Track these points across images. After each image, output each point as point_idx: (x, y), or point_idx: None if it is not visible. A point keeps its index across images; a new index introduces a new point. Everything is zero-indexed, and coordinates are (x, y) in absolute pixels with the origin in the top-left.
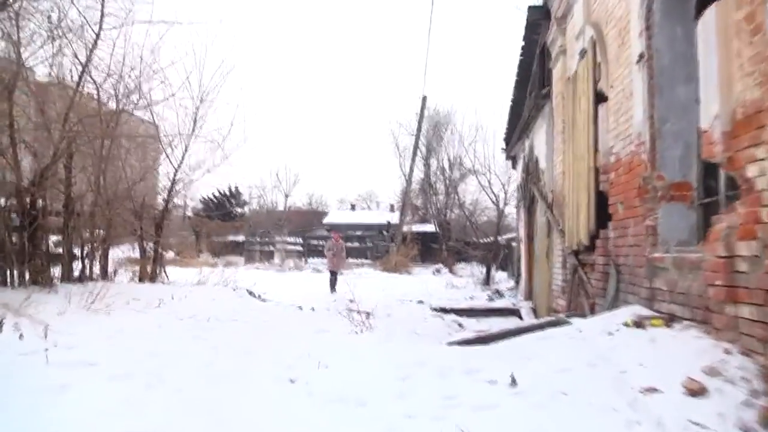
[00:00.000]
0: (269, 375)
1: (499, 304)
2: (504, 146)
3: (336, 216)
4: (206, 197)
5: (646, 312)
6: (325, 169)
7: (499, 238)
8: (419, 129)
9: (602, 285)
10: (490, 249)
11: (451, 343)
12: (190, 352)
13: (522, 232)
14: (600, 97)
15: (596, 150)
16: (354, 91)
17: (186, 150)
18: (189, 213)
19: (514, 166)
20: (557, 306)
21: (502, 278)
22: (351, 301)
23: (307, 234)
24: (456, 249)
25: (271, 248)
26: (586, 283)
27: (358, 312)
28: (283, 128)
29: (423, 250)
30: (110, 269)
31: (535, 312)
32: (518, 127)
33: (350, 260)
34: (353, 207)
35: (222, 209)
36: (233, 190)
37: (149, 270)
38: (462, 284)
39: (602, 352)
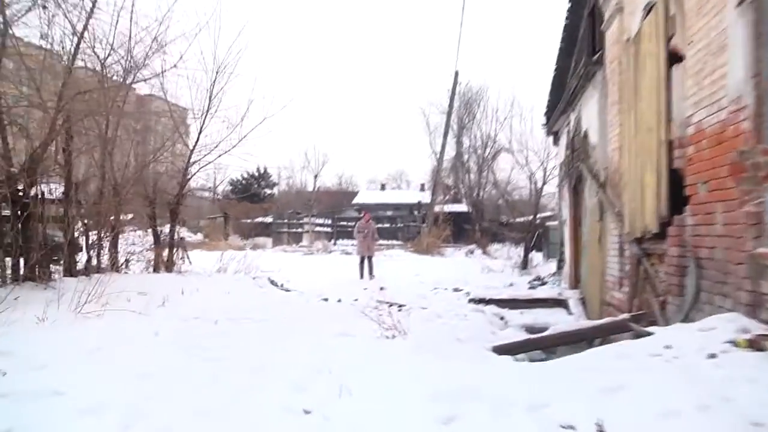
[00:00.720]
0: (278, 403)
1: (542, 293)
2: (544, 121)
3: (366, 196)
4: (235, 179)
5: (755, 325)
6: (354, 148)
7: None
8: (451, 105)
9: (676, 281)
10: (528, 230)
11: (499, 351)
12: (187, 370)
13: (566, 214)
14: (673, 58)
15: (668, 120)
16: (384, 69)
17: (201, 129)
18: (218, 195)
19: (555, 143)
20: (612, 299)
21: (538, 261)
22: (382, 288)
23: (336, 215)
24: (490, 230)
25: (300, 230)
26: (653, 278)
27: (390, 305)
28: (312, 107)
29: (455, 230)
30: (121, 259)
31: (583, 303)
32: (562, 99)
33: (381, 242)
34: (383, 187)
35: (250, 191)
36: (262, 171)
37: (165, 259)
38: (498, 267)
39: (714, 386)
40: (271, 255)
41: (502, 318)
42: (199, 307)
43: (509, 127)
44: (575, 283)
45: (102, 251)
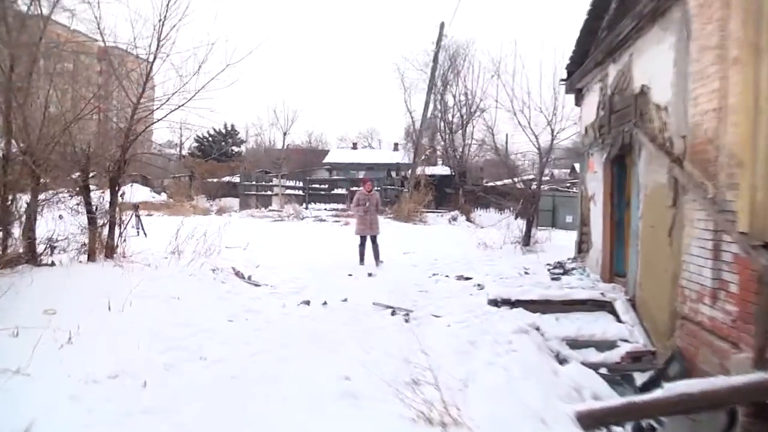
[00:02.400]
0: None
1: (579, 292)
2: (565, 76)
3: (337, 155)
4: (201, 136)
5: None
6: (324, 105)
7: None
8: (436, 59)
9: None
10: (529, 199)
11: (590, 422)
12: None
13: (594, 189)
14: None
15: None
16: (356, 21)
17: (148, 77)
18: (185, 152)
19: (578, 102)
20: (695, 315)
21: (538, 235)
22: (370, 275)
23: (307, 176)
24: (474, 194)
25: (269, 192)
26: None
27: (392, 311)
28: (281, 62)
29: (437, 195)
30: (41, 246)
31: (634, 307)
32: (597, 47)
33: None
34: (355, 146)
35: (217, 148)
36: (229, 128)
37: (104, 242)
38: (495, 243)
39: None
40: (237, 221)
41: (537, 329)
42: (127, 343)
43: (512, 84)
44: (610, 275)
45: (9, 236)
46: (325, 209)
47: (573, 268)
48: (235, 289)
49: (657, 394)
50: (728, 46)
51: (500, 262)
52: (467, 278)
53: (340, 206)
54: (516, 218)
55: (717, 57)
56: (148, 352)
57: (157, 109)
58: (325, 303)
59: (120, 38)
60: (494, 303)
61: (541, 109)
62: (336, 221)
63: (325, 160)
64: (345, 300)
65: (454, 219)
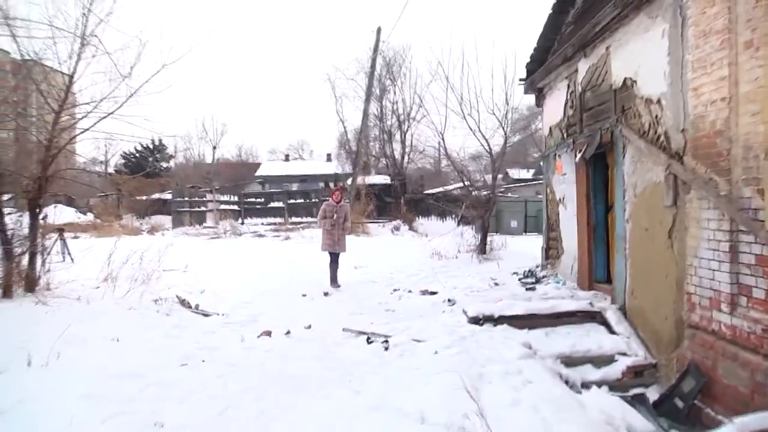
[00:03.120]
0: None
1: (566, 303)
2: (525, 76)
3: (269, 168)
4: (128, 152)
5: None
6: (253, 118)
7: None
8: (373, 65)
9: None
10: (485, 207)
11: None
12: None
13: (565, 192)
14: None
15: None
16: (281, 34)
17: (71, 83)
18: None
19: (539, 103)
20: (710, 323)
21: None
22: (326, 294)
23: (240, 190)
24: (416, 203)
25: (203, 208)
26: None
27: (367, 338)
28: (207, 74)
29: (378, 205)
30: None
31: (625, 316)
32: (563, 43)
33: (295, 219)
34: (287, 158)
35: (145, 165)
36: (157, 143)
37: (23, 274)
38: (449, 252)
39: None
40: (172, 240)
41: (530, 347)
42: (55, 417)
43: (450, 88)
44: (589, 283)
45: None
46: (263, 224)
47: (544, 276)
48: (183, 323)
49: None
50: (738, 30)
51: (460, 272)
52: (432, 292)
53: (278, 220)
54: (459, 225)
55: (724, 42)
56: (84, 428)
57: (83, 117)
58: (288, 333)
59: (36, 35)
60: (476, 321)
61: (493, 111)
62: (276, 236)
63: (257, 173)
64: (309, 327)
65: (397, 228)
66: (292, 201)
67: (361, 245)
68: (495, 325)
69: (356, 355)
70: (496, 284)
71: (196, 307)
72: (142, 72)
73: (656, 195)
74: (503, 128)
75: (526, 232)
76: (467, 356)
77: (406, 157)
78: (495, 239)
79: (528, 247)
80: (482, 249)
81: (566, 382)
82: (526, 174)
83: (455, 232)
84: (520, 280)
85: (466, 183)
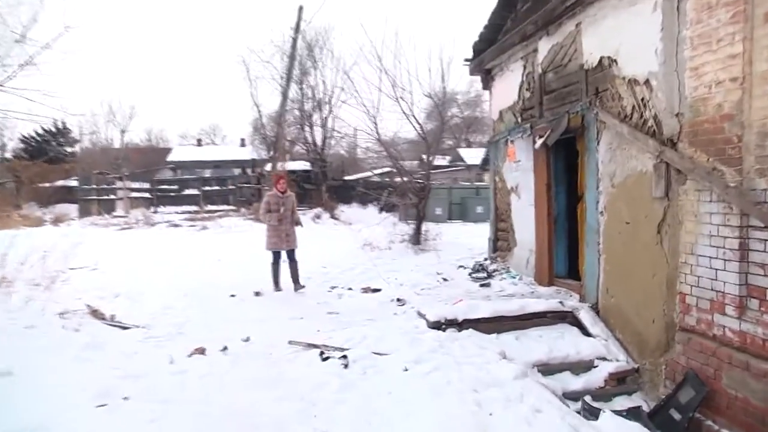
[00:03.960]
0: None
1: (533, 303)
2: (471, 56)
3: (181, 153)
4: (27, 135)
5: None
6: (163, 101)
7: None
8: (294, 46)
9: None
10: (420, 194)
11: None
12: None
13: (519, 180)
14: None
15: None
16: (193, 12)
17: None
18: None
19: (487, 85)
20: (711, 329)
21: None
22: (257, 294)
23: (152, 176)
24: (338, 189)
25: (112, 196)
26: None
27: (320, 352)
28: (114, 53)
29: (298, 192)
30: None
31: (599, 316)
32: (518, 21)
33: (211, 207)
34: (199, 142)
35: (47, 149)
36: (60, 125)
37: None
38: (381, 242)
39: None
40: (79, 232)
41: (504, 356)
42: None
43: (383, 71)
44: (549, 278)
45: None
46: (177, 212)
47: (495, 270)
48: (97, 340)
49: None
50: (755, 1)
51: (399, 265)
52: (375, 290)
53: (193, 208)
54: (381, 212)
55: (737, 15)
56: None
57: None
58: (225, 349)
59: None
60: (438, 326)
61: (430, 94)
62: (191, 226)
63: (169, 159)
64: (248, 340)
65: (318, 217)
66: (207, 188)
67: None
68: (460, 330)
69: (312, 376)
70: (445, 280)
71: (112, 318)
72: (39, 36)
73: (641, 185)
74: (439, 111)
75: (450, 219)
76: (443, 374)
77: (327, 143)
78: (430, 228)
79: (461, 236)
80: (416, 239)
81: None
82: (442, 161)
83: (386, 221)
84: (470, 275)
85: (398, 169)
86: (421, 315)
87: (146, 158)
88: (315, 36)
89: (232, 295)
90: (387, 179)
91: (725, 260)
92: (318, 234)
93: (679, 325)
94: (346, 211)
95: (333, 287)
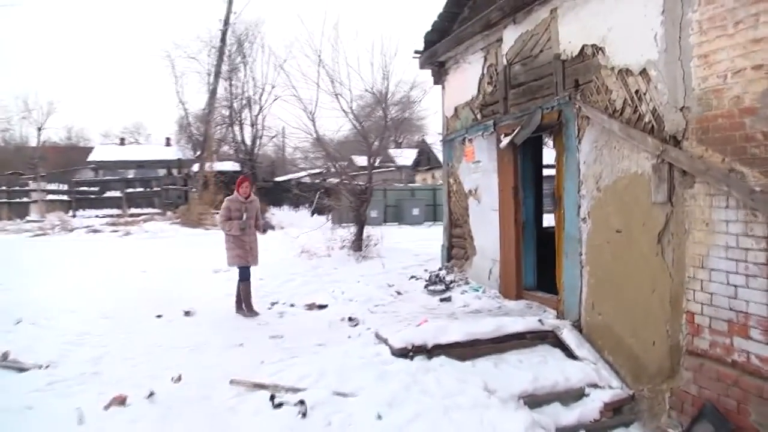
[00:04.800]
0: None
1: (512, 323)
2: (422, 48)
3: (103, 152)
4: None
5: None
6: (84, 97)
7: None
8: (224, 39)
9: None
10: (362, 197)
11: None
12: None
13: (479, 182)
14: None
15: None
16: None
17: None
18: None
19: (439, 80)
20: (729, 354)
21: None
22: (187, 313)
23: (71, 177)
24: (265, 191)
25: (26, 199)
26: None
27: (270, 395)
28: (30, 45)
29: (227, 193)
30: None
31: (583, 336)
32: (478, 9)
33: (135, 211)
34: (122, 141)
35: None
36: None
37: None
38: (319, 249)
39: None
40: None
41: (485, 388)
42: None
43: (322, 65)
44: (517, 290)
45: None
46: (98, 216)
47: (453, 281)
48: None
49: None
50: None
51: (342, 275)
52: (321, 306)
53: (116, 212)
54: (313, 215)
55: None
56: None
57: None
58: (151, 395)
59: None
60: (404, 353)
61: (372, 89)
62: (113, 231)
63: (89, 159)
64: (179, 379)
65: None
66: (130, 190)
67: (214, 241)
68: (430, 358)
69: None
70: (399, 293)
71: (4, 356)
72: None
73: (637, 189)
74: (384, 109)
75: (385, 221)
76: (430, 425)
77: (257, 142)
78: (370, 233)
79: (402, 241)
80: (358, 245)
81: None
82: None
83: (322, 225)
84: (427, 287)
85: (338, 169)
86: (381, 339)
87: (65, 158)
88: (245, 30)
89: (159, 316)
90: (320, 180)
91: (748, 276)
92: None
93: (687, 349)
94: (277, 214)
95: (273, 303)
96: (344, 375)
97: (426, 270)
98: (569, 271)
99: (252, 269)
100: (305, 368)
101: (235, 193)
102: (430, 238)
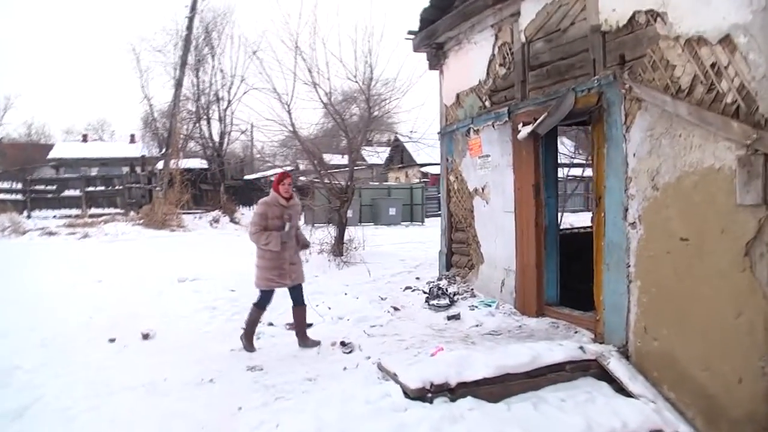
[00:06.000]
0: None
1: (549, 353)
2: (417, 28)
3: (65, 149)
4: None
5: None
6: (46, 92)
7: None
8: (190, 27)
9: None
10: (342, 197)
11: None
12: None
13: (487, 180)
14: None
15: None
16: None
17: None
18: None
19: (435, 64)
20: None
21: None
22: (146, 336)
23: (29, 175)
24: (237, 190)
25: None
26: None
27: None
28: None
29: (194, 193)
30: None
31: (632, 365)
32: None
33: (95, 211)
34: (85, 138)
35: None
36: None
37: None
38: None
39: None
40: None
41: None
42: None
43: (300, 55)
44: (538, 306)
45: None
46: (55, 217)
47: (457, 293)
48: None
49: None
50: None
51: (324, 286)
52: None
53: (74, 212)
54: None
55: None
56: None
57: None
58: None
59: None
60: (422, 395)
61: (355, 77)
62: (71, 233)
63: (50, 156)
64: None
65: (216, 221)
66: (91, 188)
67: (180, 244)
68: (453, 400)
69: None
70: (396, 309)
71: None
72: None
73: (712, 187)
74: (367, 100)
75: (360, 222)
76: None
77: (226, 138)
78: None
79: (383, 243)
80: (339, 249)
81: None
82: (341, 160)
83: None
84: (428, 301)
85: (316, 166)
86: (387, 373)
87: (24, 155)
88: (213, 19)
89: (112, 340)
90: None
91: None
92: (220, 242)
93: None
94: (247, 214)
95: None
96: (350, 430)
97: (418, 278)
98: (612, 286)
99: (218, 275)
100: (297, 421)
101: (273, 193)
102: (412, 240)
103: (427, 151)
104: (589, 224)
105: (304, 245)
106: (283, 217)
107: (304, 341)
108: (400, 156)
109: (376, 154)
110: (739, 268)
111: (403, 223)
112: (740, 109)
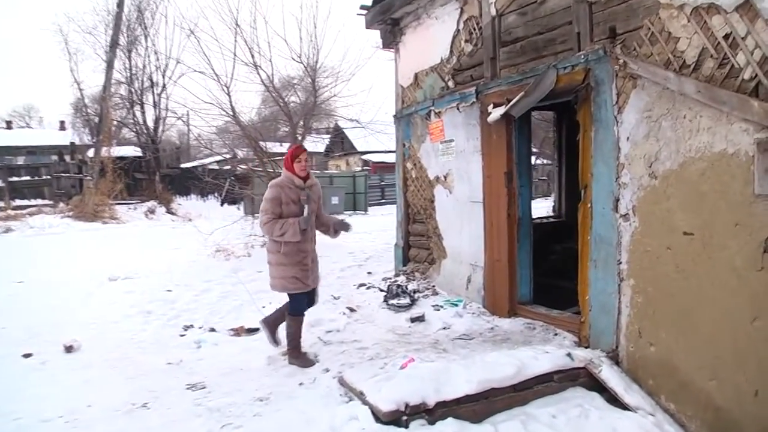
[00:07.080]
0: None
1: (536, 363)
2: (371, 2)
3: None
4: None
5: None
6: None
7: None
8: (121, 5)
9: None
10: None
11: None
12: None
13: (450, 167)
14: None
15: None
16: None
17: None
18: None
19: (390, 42)
20: None
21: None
22: (70, 347)
23: None
24: (174, 179)
25: None
26: None
27: None
28: None
29: (128, 182)
30: None
31: (624, 372)
32: None
33: (19, 203)
34: (9, 125)
35: None
36: None
37: None
38: (237, 247)
39: None
40: None
41: None
42: None
43: (241, 34)
44: (510, 305)
45: None
46: None
47: (417, 291)
48: None
49: None
50: None
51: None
52: (251, 330)
53: None
54: (223, 204)
55: None
56: None
57: None
58: None
59: None
60: (395, 420)
61: (300, 58)
62: None
63: None
64: None
65: (152, 211)
66: (15, 179)
67: (112, 237)
68: (433, 423)
69: None
70: (352, 310)
71: None
72: None
73: (724, 175)
74: (313, 82)
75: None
76: None
77: (161, 124)
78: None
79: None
80: None
81: None
82: (281, 148)
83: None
84: (386, 301)
85: (257, 153)
86: (352, 391)
87: None
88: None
89: (28, 355)
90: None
91: None
92: (156, 235)
93: None
94: (184, 204)
95: (187, 327)
96: None
97: (370, 273)
98: (600, 285)
99: (154, 273)
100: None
101: (285, 172)
102: (358, 230)
103: (367, 139)
104: (551, 214)
105: (337, 230)
106: (300, 200)
107: (298, 359)
108: (340, 144)
109: (318, 141)
110: (755, 266)
111: (346, 212)
112: (761, 85)
